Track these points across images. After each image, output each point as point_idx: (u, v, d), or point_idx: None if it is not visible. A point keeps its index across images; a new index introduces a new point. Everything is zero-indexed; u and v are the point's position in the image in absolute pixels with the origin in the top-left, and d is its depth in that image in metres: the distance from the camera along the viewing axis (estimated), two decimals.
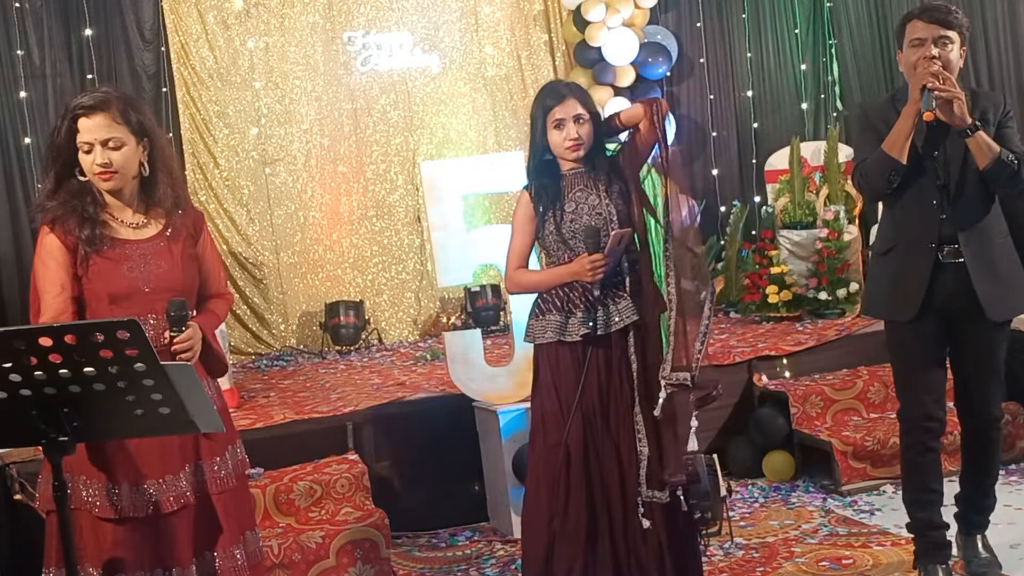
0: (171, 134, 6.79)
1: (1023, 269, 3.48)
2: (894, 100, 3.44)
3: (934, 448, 3.50)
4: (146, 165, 2.78)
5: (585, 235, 3.25)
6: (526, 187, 3.46)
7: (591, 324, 3.25)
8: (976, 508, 3.69)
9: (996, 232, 3.43)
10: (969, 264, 3.35)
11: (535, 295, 3.45)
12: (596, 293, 3.26)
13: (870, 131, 3.45)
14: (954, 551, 3.69)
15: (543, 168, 3.39)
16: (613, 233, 3.22)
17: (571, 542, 3.27)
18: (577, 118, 3.32)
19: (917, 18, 3.37)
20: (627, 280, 3.33)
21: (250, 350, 7.11)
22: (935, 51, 3.28)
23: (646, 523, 3.24)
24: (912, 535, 3.63)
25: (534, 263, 3.58)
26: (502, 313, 6.88)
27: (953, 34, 3.33)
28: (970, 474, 3.66)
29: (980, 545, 3.70)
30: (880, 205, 3.85)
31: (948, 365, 3.56)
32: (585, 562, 3.26)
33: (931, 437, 3.48)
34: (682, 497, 3.25)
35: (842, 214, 6.20)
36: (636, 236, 3.36)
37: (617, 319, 3.29)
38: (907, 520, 3.62)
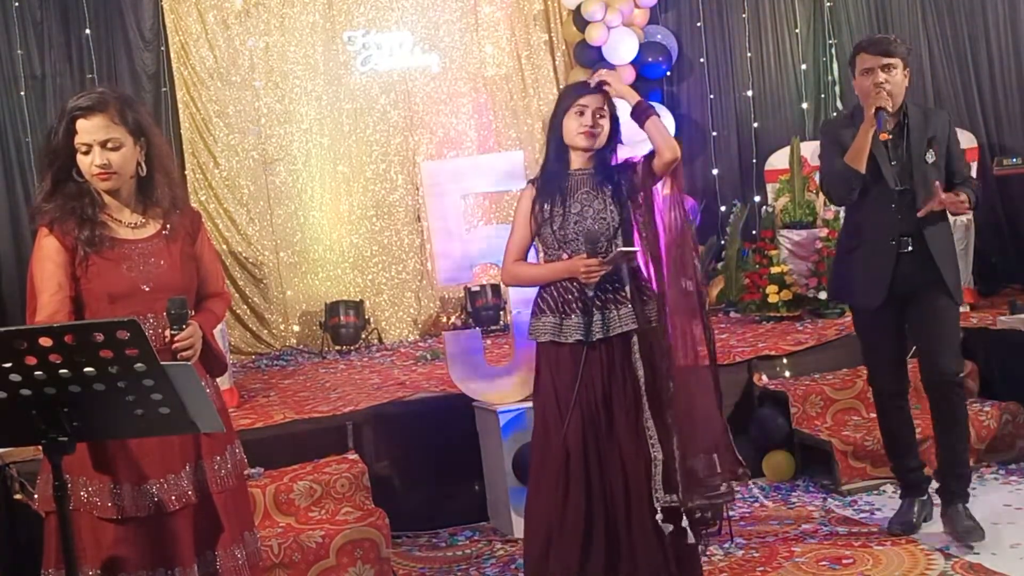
0: (171, 134, 6.80)
1: None
2: (852, 117, 3.96)
3: (901, 406, 4.09)
4: (143, 165, 2.78)
5: (586, 238, 3.30)
6: (532, 181, 3.49)
7: (585, 331, 3.29)
8: (954, 477, 3.98)
9: (945, 224, 4.00)
10: (936, 255, 3.88)
11: (535, 293, 3.48)
12: (590, 293, 3.29)
13: (833, 144, 3.96)
14: (941, 527, 4.02)
15: (554, 162, 3.41)
16: (619, 250, 3.27)
17: (568, 540, 3.28)
18: (599, 111, 3.37)
19: (864, 51, 3.91)
20: (627, 287, 3.35)
21: (250, 350, 7.12)
22: (882, 77, 3.83)
23: (668, 527, 3.24)
24: (896, 477, 4.23)
25: (532, 257, 3.60)
26: (502, 313, 6.88)
27: (896, 60, 3.87)
28: (943, 441, 3.98)
29: (964, 514, 3.94)
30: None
31: (908, 338, 4.09)
32: (581, 560, 3.27)
33: (897, 398, 4.08)
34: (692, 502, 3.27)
35: (842, 213, 6.20)
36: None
37: (617, 324, 3.31)
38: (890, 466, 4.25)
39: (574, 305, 3.33)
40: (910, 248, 3.87)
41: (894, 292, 3.89)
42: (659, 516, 3.24)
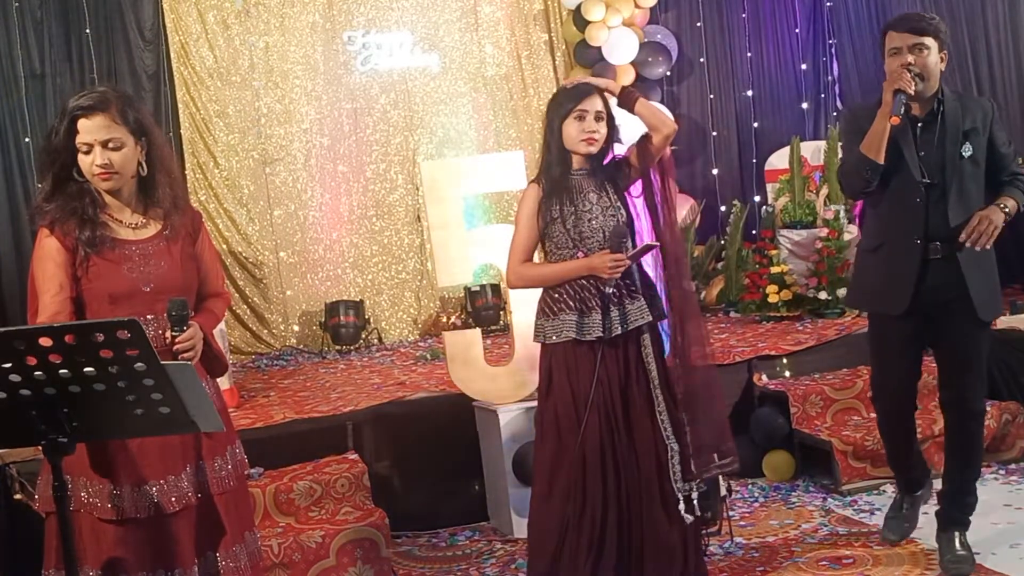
0: (171, 134, 6.80)
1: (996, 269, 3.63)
2: (880, 103, 3.51)
3: (904, 423, 3.80)
4: (144, 165, 2.78)
5: (613, 233, 3.30)
6: (535, 180, 3.47)
7: (605, 328, 3.29)
8: (956, 504, 3.72)
9: None
10: (963, 264, 3.48)
11: (539, 295, 3.46)
12: (609, 290, 3.29)
13: (855, 132, 3.56)
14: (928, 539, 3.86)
15: (557, 165, 3.40)
16: (645, 244, 3.29)
17: (583, 547, 3.26)
18: (598, 115, 3.37)
19: (892, 29, 3.53)
20: (638, 282, 3.38)
21: (250, 350, 7.11)
22: (911, 58, 3.44)
23: (689, 517, 3.28)
24: (893, 475, 4.07)
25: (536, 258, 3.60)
26: (502, 313, 6.88)
27: (929, 40, 3.48)
28: (952, 468, 3.72)
29: (957, 543, 3.68)
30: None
31: (924, 357, 3.76)
32: (595, 561, 3.27)
33: (903, 416, 3.78)
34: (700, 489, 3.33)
35: (842, 213, 6.20)
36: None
37: (634, 318, 3.33)
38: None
39: (592, 302, 3.32)
40: (940, 255, 3.48)
41: (920, 303, 3.51)
42: (681, 505, 3.27)
